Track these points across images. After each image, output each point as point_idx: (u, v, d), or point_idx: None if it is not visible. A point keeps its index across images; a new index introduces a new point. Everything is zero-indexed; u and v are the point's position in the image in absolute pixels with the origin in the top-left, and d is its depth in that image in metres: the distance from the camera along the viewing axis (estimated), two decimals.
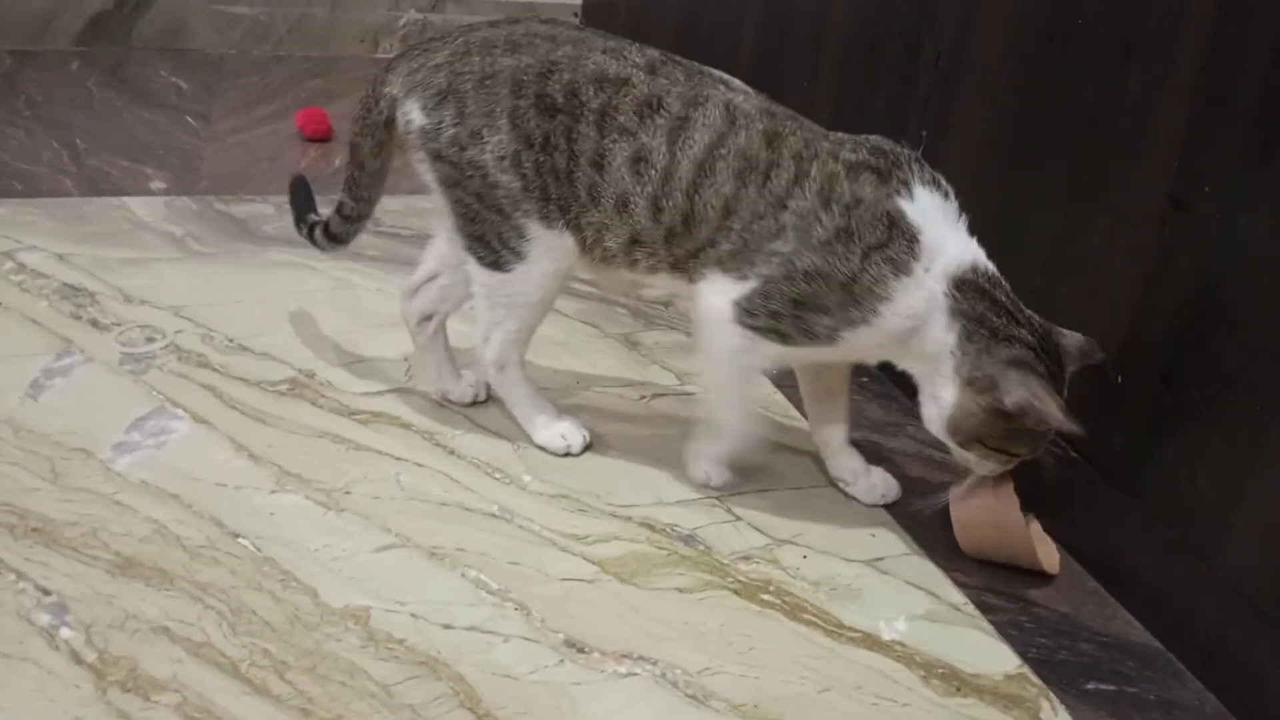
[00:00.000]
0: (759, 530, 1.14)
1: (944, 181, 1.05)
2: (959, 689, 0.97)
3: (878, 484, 1.21)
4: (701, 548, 1.10)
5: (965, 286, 1.01)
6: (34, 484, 1.07)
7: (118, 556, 1.00)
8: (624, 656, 0.96)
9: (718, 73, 1.10)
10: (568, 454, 1.22)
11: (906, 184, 1.02)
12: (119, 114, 2.04)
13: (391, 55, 2.50)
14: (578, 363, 1.42)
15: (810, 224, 1.01)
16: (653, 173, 1.05)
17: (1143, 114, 1.05)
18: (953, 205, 1.05)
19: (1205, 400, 1.00)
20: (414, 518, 1.10)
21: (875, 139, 1.06)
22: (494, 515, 1.12)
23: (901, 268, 1.00)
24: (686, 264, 1.08)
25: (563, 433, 1.22)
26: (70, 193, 1.70)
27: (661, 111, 1.05)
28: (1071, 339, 1.06)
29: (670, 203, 1.06)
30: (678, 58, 1.10)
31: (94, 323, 1.35)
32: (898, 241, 1.00)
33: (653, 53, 1.10)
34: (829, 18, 1.58)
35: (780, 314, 1.03)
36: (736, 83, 1.10)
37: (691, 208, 1.05)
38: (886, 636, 1.02)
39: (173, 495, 1.08)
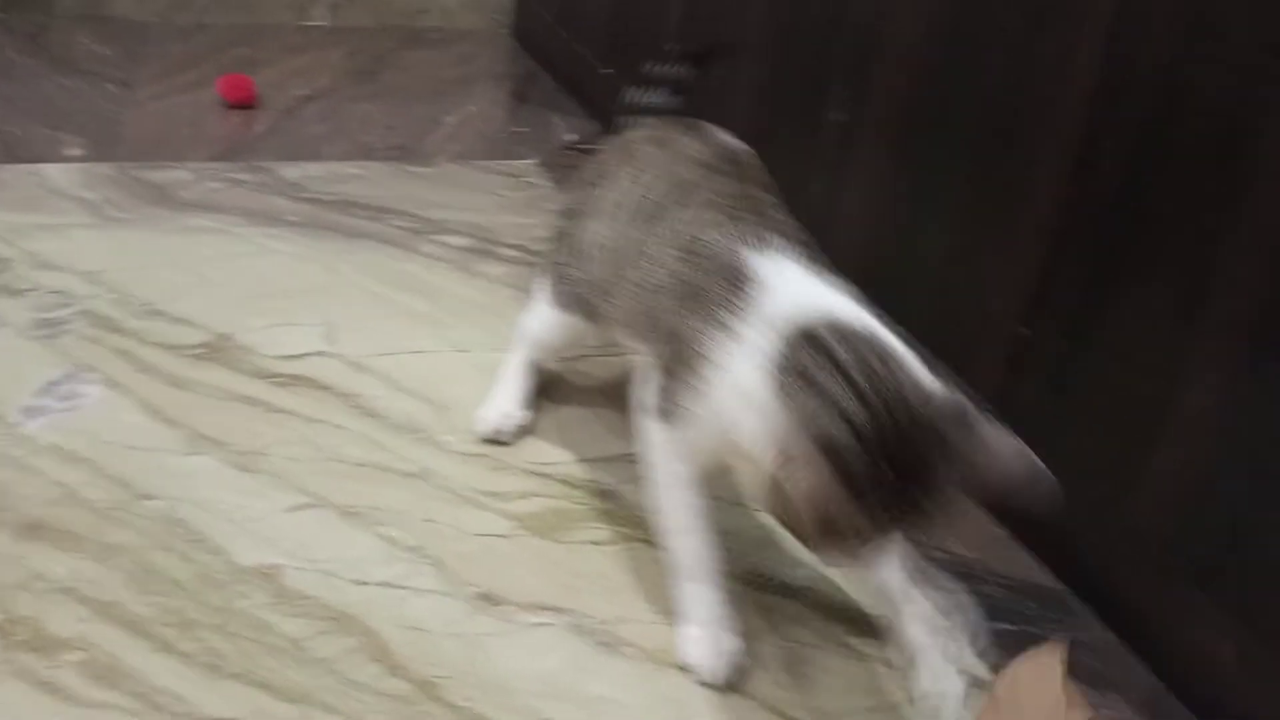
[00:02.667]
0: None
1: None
2: (865, 630, 0.99)
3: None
4: (620, 503, 1.11)
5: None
6: None
7: (25, 519, 0.99)
8: (537, 608, 0.97)
9: None
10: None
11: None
12: (38, 81, 1.99)
13: (321, 23, 2.49)
14: (501, 324, 1.41)
15: None
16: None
17: (1050, 80, 1.07)
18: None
19: (1109, 357, 1.03)
20: (329, 478, 1.09)
21: None
22: (412, 475, 1.12)
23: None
24: None
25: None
26: None
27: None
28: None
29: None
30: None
31: (6, 288, 1.33)
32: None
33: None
34: (750, 13, 1.58)
35: None
36: None
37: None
38: (794, 583, 1.03)
39: (83, 458, 1.07)
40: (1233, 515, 0.91)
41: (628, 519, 1.09)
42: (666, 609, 0.98)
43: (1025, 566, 1.10)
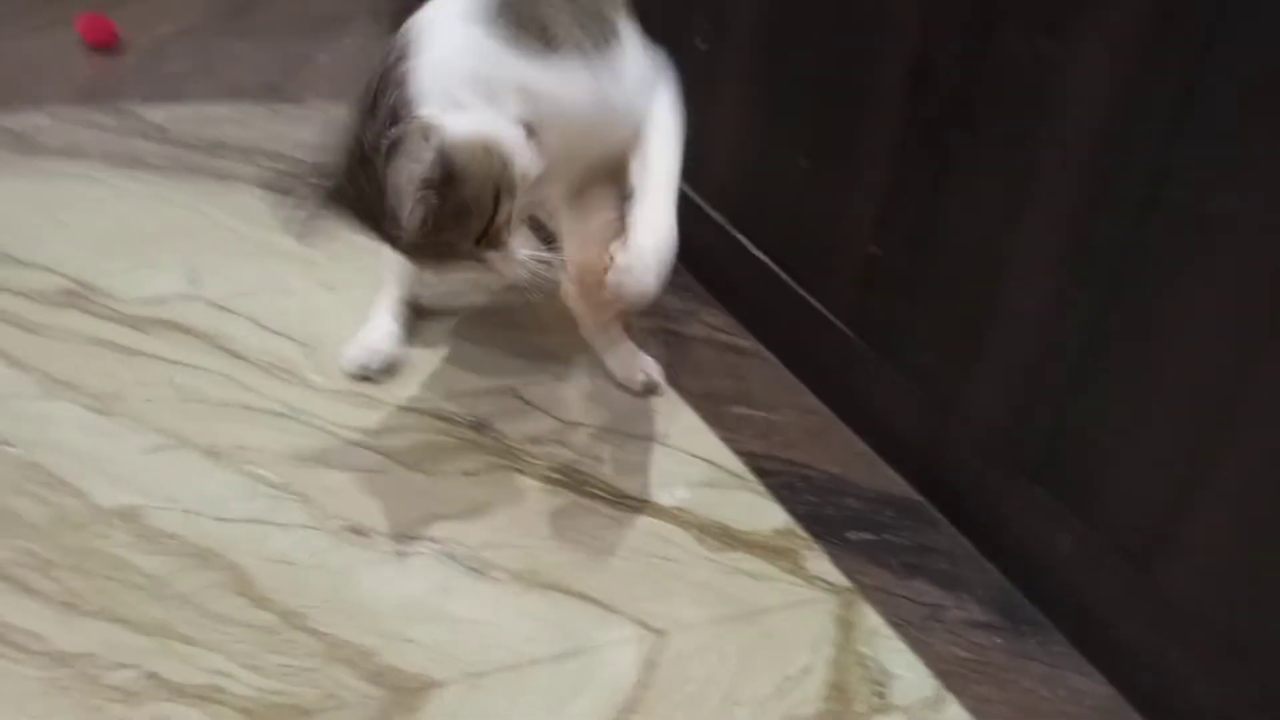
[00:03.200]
0: (550, 414, 1.17)
1: None
2: (730, 545, 1.02)
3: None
4: (493, 434, 1.12)
5: None
6: None
7: None
8: (405, 537, 0.98)
9: None
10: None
11: None
12: None
13: None
14: (373, 262, 1.40)
15: None
16: None
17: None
18: None
19: (948, 266, 1.06)
20: (190, 419, 1.08)
21: None
22: (279, 414, 1.11)
23: None
24: None
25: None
26: None
27: None
28: None
29: None
30: None
31: None
32: None
33: None
34: None
35: None
36: None
37: None
38: (666, 503, 1.06)
39: None
40: (1058, 407, 0.96)
41: (501, 450, 1.10)
42: (537, 534, 1.00)
43: (885, 479, 1.14)
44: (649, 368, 1.22)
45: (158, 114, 1.68)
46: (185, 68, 1.88)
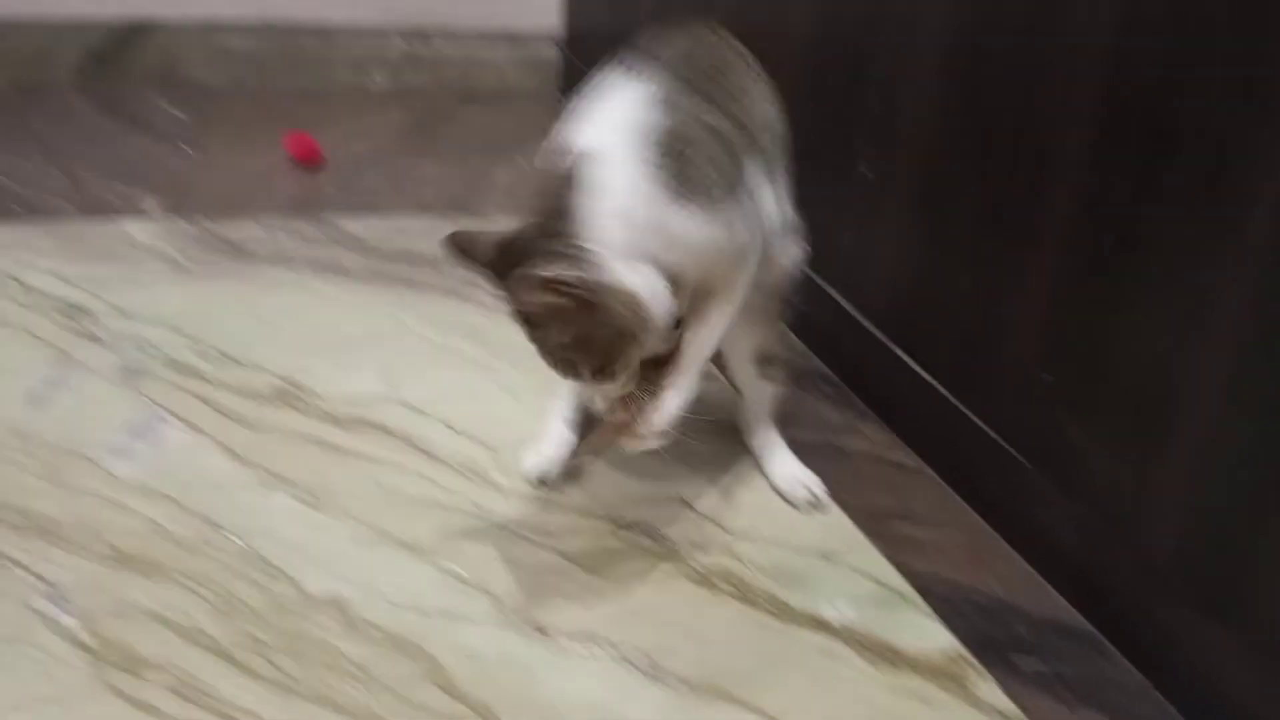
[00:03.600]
0: (717, 524, 1.22)
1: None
2: (898, 666, 1.04)
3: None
4: (664, 541, 1.18)
5: None
6: (37, 486, 1.15)
7: (115, 550, 1.07)
8: (585, 638, 1.03)
9: None
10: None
11: None
12: (116, 142, 2.13)
13: (381, 86, 2.62)
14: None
15: None
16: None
17: (1053, 126, 1.14)
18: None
19: (1119, 386, 1.08)
20: (392, 515, 1.17)
21: None
22: (468, 513, 1.19)
23: None
24: None
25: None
26: (71, 216, 1.79)
27: None
28: None
29: None
30: None
31: (92, 337, 1.43)
32: None
33: None
34: (787, 36, 1.66)
35: None
36: None
37: None
38: (832, 619, 1.09)
39: (167, 496, 1.16)
40: (1234, 537, 0.95)
41: (671, 556, 1.15)
42: (707, 642, 1.04)
43: (1053, 604, 1.15)
44: (812, 483, 1.26)
45: (356, 225, 1.84)
46: (379, 183, 2.05)
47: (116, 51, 2.45)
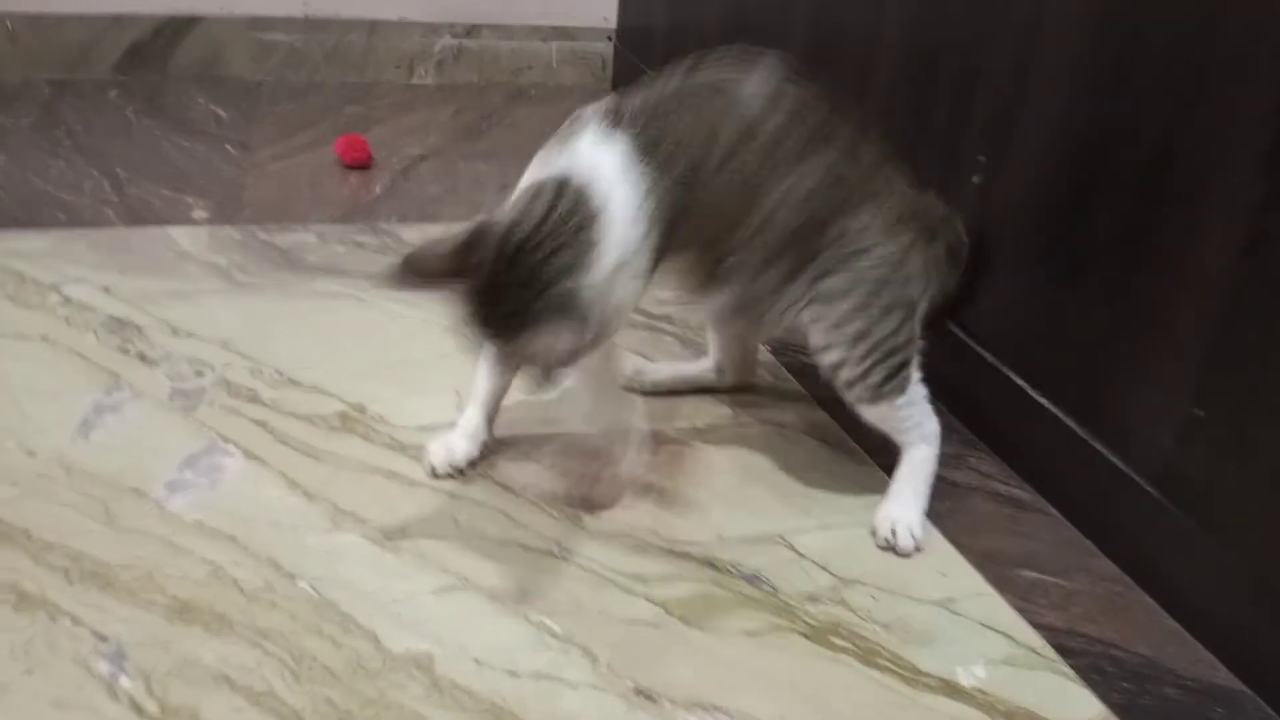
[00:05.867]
0: (824, 569, 1.11)
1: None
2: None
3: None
4: (767, 588, 1.07)
5: None
6: (88, 526, 1.06)
7: (175, 600, 0.98)
8: (695, 705, 0.93)
9: None
10: None
11: None
12: (158, 142, 2.04)
13: (427, 82, 2.52)
14: (628, 392, 1.39)
15: None
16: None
17: (1213, 141, 1.02)
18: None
19: (1272, 430, 0.97)
20: (472, 557, 1.07)
21: None
22: (553, 554, 1.09)
23: None
24: None
25: None
26: (113, 223, 1.70)
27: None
28: None
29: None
30: None
31: (142, 357, 1.34)
32: None
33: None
34: (881, 32, 1.55)
35: None
36: None
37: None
38: (965, 683, 0.98)
39: (228, 536, 1.06)
40: None
41: (778, 607, 1.05)
42: (830, 710, 0.93)
43: (1204, 664, 1.04)
44: (902, 525, 1.15)
45: (412, 233, 1.74)
46: (433, 188, 1.95)
47: (156, 47, 2.36)
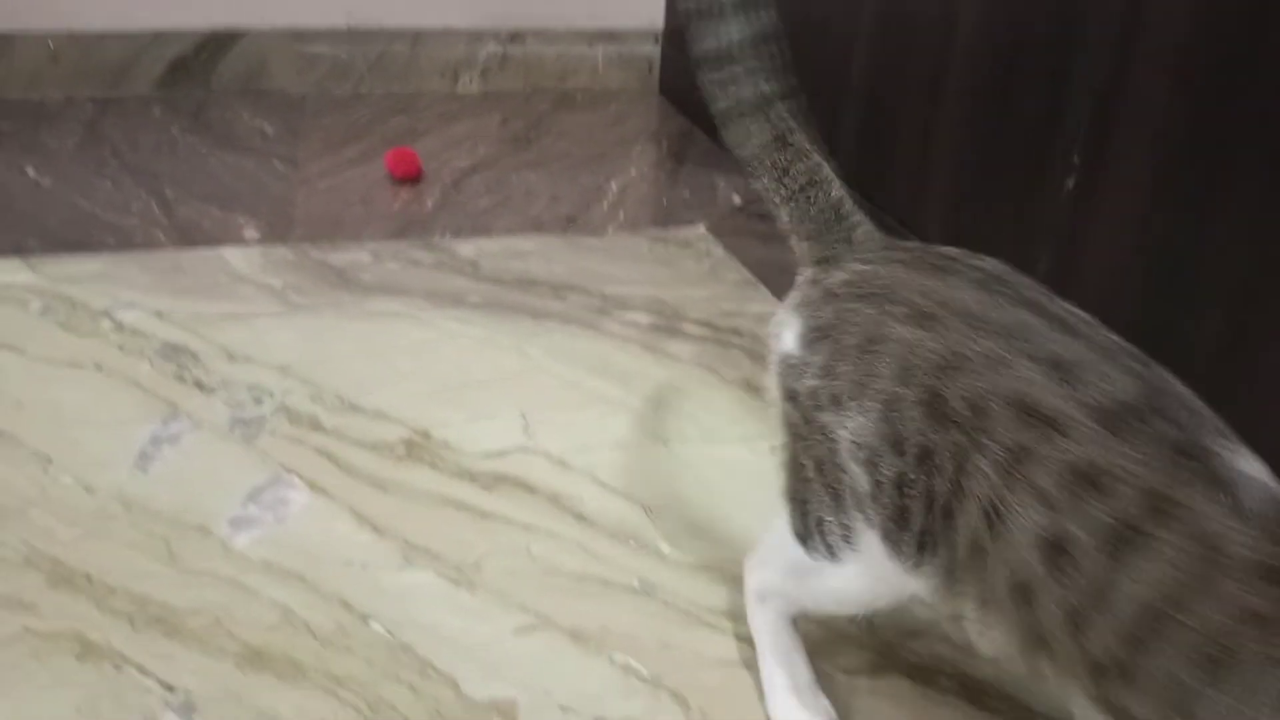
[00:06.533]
0: (923, 602, 1.05)
1: None
2: None
3: None
4: (866, 624, 1.01)
5: None
6: (151, 567, 1.01)
7: (245, 647, 0.93)
8: None
9: (1225, 443, 0.66)
10: None
11: None
12: (205, 159, 2.00)
13: (472, 90, 2.48)
14: (699, 410, 1.33)
15: None
16: (1076, 575, 0.66)
17: None
18: None
19: None
20: (551, 594, 1.02)
21: None
22: (635, 590, 1.03)
23: None
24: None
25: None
26: (163, 245, 1.66)
27: (1106, 498, 0.65)
28: None
29: (1096, 633, 0.65)
30: (1168, 391, 0.70)
31: (199, 384, 1.30)
32: None
33: (1126, 385, 0.68)
34: (955, 33, 1.48)
35: None
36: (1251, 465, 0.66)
37: (1132, 662, 0.64)
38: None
39: (297, 576, 1.01)
40: None
41: (877, 644, 0.99)
42: None
43: None
44: None
45: (468, 248, 1.69)
46: (485, 200, 1.90)
47: (199, 61, 2.33)
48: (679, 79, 2.43)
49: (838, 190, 0.88)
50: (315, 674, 0.91)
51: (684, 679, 0.93)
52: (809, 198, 0.88)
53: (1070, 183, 1.24)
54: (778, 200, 0.89)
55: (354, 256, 1.64)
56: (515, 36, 2.46)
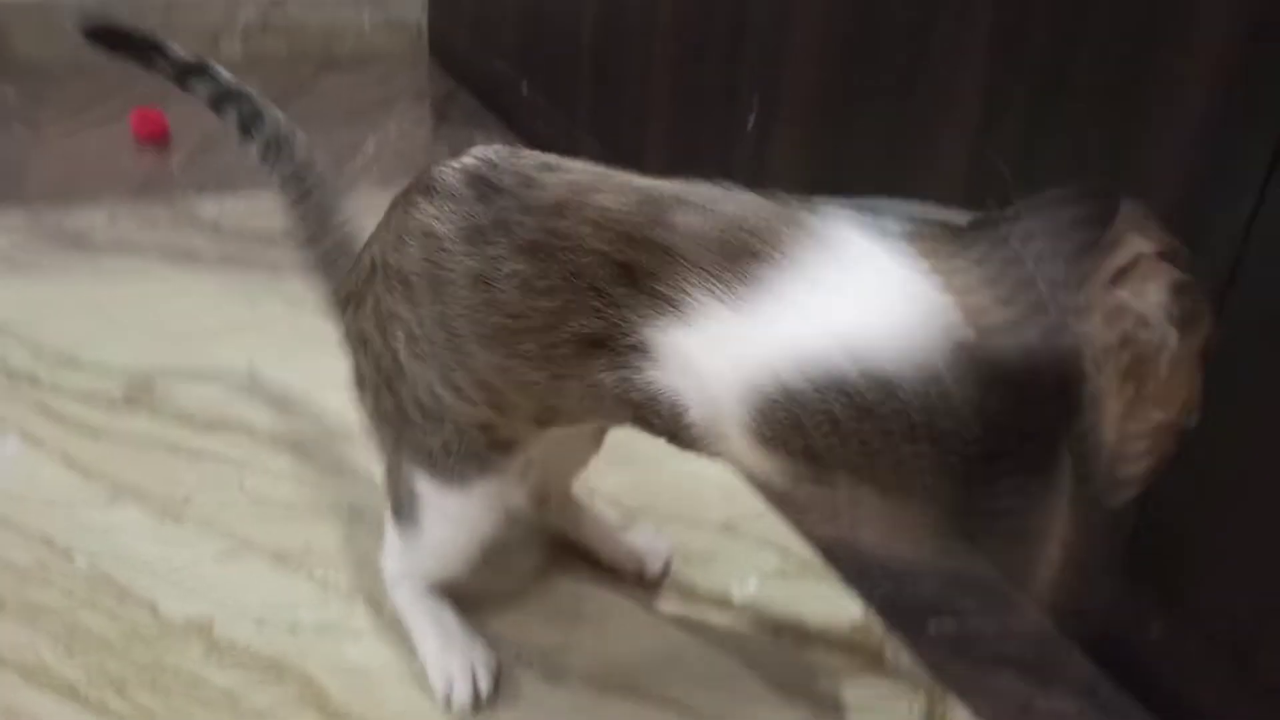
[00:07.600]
0: (614, 502, 1.15)
1: None
2: (806, 644, 0.99)
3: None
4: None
5: None
6: None
7: None
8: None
9: None
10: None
11: None
12: None
13: (234, 54, 2.45)
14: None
15: None
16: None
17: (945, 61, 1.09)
18: None
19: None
20: (259, 522, 1.07)
21: None
22: (344, 515, 1.10)
23: None
24: None
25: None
26: None
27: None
28: None
29: None
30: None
31: None
32: None
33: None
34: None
35: None
36: None
37: None
38: (737, 599, 1.04)
39: (1, 517, 1.04)
40: None
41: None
42: (608, 634, 0.97)
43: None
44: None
45: (210, 208, 1.70)
46: (234, 160, 1.90)
47: None
48: (447, 41, 2.48)
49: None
50: (12, 605, 0.94)
51: (382, 589, 1.00)
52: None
53: (751, 120, 1.36)
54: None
55: (90, 219, 1.64)
56: (275, 1, 2.45)
